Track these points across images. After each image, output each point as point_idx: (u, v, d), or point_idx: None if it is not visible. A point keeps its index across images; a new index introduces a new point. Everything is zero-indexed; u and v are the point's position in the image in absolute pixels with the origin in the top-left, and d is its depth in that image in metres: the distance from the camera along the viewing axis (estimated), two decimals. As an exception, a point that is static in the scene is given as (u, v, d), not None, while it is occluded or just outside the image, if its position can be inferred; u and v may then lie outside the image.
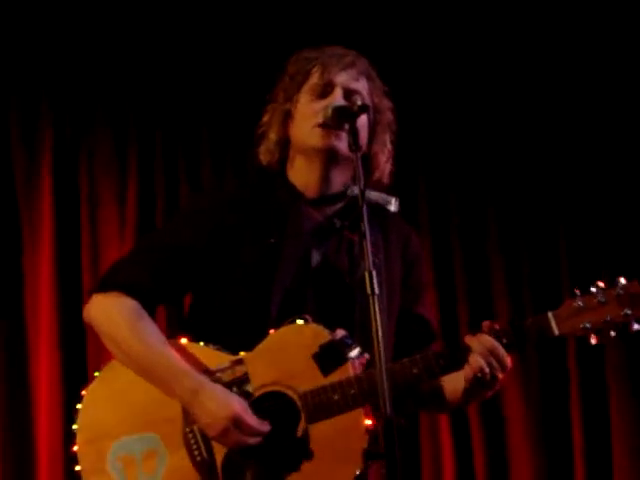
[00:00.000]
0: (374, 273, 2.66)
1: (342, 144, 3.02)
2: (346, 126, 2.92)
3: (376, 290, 2.64)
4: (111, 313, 3.09)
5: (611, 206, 5.52)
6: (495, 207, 5.61)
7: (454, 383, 3.03)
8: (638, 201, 5.48)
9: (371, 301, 2.64)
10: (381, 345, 2.61)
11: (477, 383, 2.91)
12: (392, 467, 2.57)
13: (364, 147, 3.09)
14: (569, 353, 5.47)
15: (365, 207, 2.75)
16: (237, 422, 2.89)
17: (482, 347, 2.87)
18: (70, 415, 4.68)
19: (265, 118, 3.20)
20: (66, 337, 5.06)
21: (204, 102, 5.40)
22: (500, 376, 2.90)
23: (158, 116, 5.36)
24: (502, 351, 2.87)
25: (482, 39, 5.54)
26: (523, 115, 5.61)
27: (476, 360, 2.87)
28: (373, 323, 2.61)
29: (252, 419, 2.91)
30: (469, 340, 2.90)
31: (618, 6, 5.38)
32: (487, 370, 2.87)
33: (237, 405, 2.92)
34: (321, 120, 3.03)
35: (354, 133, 2.88)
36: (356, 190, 2.88)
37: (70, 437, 4.71)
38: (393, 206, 3.12)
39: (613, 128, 5.53)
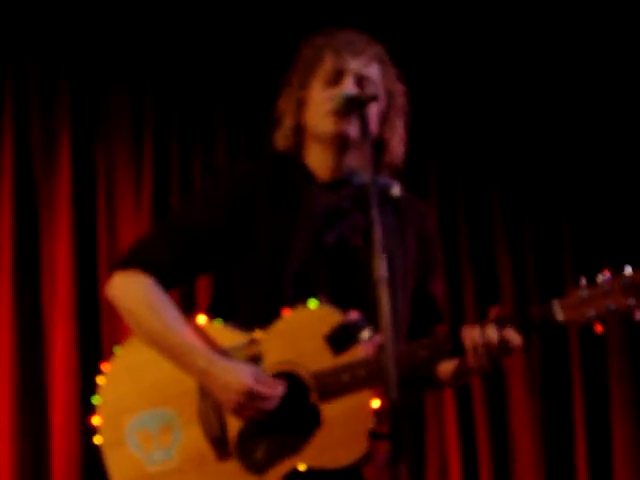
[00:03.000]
0: (384, 257, 2.72)
1: (353, 130, 3.08)
2: (357, 113, 2.99)
3: (384, 275, 2.70)
4: (131, 290, 3.17)
5: (615, 192, 5.57)
6: (500, 192, 5.67)
7: (446, 364, 3.10)
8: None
9: (379, 287, 2.70)
10: (389, 330, 2.67)
11: (476, 368, 2.96)
12: (397, 451, 2.64)
13: (375, 133, 3.15)
14: (571, 341, 5.53)
15: (375, 194, 2.79)
16: (251, 393, 2.97)
17: (484, 338, 2.90)
18: (85, 388, 4.92)
19: (280, 104, 3.25)
20: (82, 313, 5.14)
21: (220, 84, 5.47)
22: (501, 359, 2.94)
23: (174, 98, 5.44)
24: (504, 343, 2.90)
25: (491, 25, 5.61)
26: (529, 102, 5.67)
27: (477, 350, 2.91)
28: (382, 308, 2.68)
29: (264, 386, 2.98)
30: (472, 330, 2.93)
31: (618, 6, 5.44)
32: (486, 361, 2.91)
33: (249, 376, 2.98)
34: (332, 107, 3.08)
35: (364, 120, 2.94)
36: (359, 178, 2.98)
37: (86, 409, 4.85)
38: (395, 191, 3.16)
39: (618, 116, 5.59)
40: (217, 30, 5.45)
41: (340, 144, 3.15)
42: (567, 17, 5.54)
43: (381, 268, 2.71)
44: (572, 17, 5.54)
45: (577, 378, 5.55)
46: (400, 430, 2.64)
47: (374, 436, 2.87)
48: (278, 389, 2.99)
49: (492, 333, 2.91)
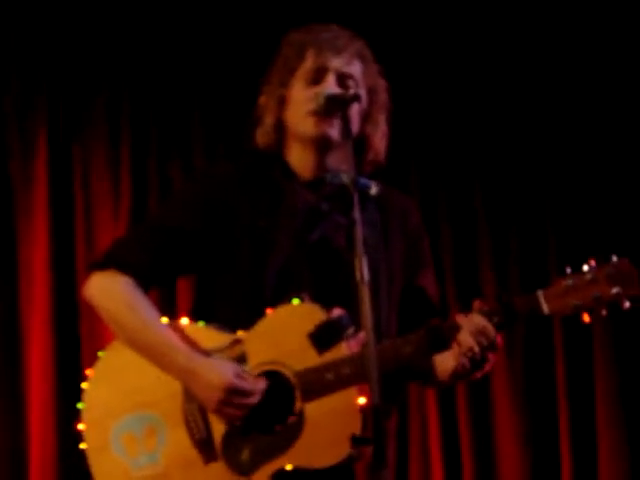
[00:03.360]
0: (365, 259, 2.70)
1: (335, 131, 3.06)
2: (338, 113, 2.98)
3: (365, 277, 2.68)
4: (108, 290, 3.15)
5: (599, 183, 5.56)
6: (482, 186, 5.68)
7: (445, 363, 3.05)
8: (627, 180, 5.54)
9: (360, 288, 2.68)
10: (371, 333, 2.65)
11: (467, 363, 2.93)
12: (379, 454, 2.62)
13: (357, 131, 3.13)
14: (555, 336, 5.53)
15: (356, 194, 2.79)
16: (231, 391, 2.95)
17: (472, 326, 2.89)
18: (62, 393, 4.89)
19: (261, 101, 3.23)
20: (60, 319, 5.11)
21: (196, 90, 5.44)
22: (490, 356, 2.92)
23: (151, 104, 5.41)
24: (492, 331, 2.89)
25: (475, 28, 5.60)
26: (512, 100, 5.65)
27: (466, 339, 2.89)
28: (364, 310, 2.66)
29: (246, 382, 2.97)
30: (460, 319, 2.92)
31: (618, 6, 5.45)
32: (477, 349, 2.89)
33: (230, 373, 2.97)
34: (313, 108, 3.06)
35: (346, 121, 2.92)
36: (339, 179, 2.98)
37: (63, 414, 4.80)
38: (373, 190, 3.11)
39: (602, 109, 5.58)
40: (193, 33, 5.43)
41: (321, 145, 3.13)
42: (548, 16, 5.54)
43: (363, 270, 2.70)
44: (554, 17, 5.53)
45: (561, 374, 5.54)
46: (382, 434, 2.62)
47: (356, 441, 2.85)
48: (259, 384, 2.98)
49: (481, 321, 2.90)
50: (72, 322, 5.11)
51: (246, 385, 2.97)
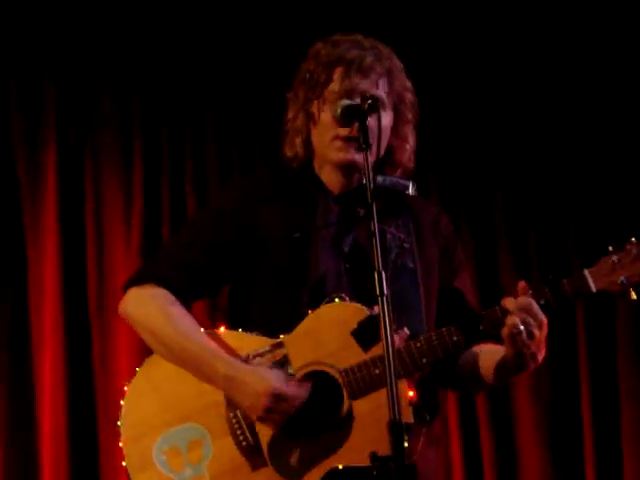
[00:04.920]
0: (383, 274, 2.66)
1: (360, 156, 2.99)
2: (356, 124, 2.94)
3: (385, 291, 2.65)
4: (146, 302, 3.13)
5: (619, 192, 5.52)
6: (502, 194, 5.65)
7: (492, 357, 3.05)
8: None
9: (380, 302, 2.65)
10: (391, 347, 2.61)
11: (514, 347, 2.90)
12: (400, 469, 2.58)
13: (385, 145, 3.12)
14: (580, 347, 5.51)
15: (374, 205, 2.75)
16: (276, 397, 2.94)
17: (517, 305, 2.88)
18: (73, 409, 4.86)
19: (289, 115, 3.22)
20: (70, 331, 5.06)
21: (208, 92, 5.39)
22: (537, 333, 2.88)
23: (163, 111, 5.36)
24: (537, 307, 2.87)
25: (491, 33, 5.59)
26: (532, 110, 5.64)
27: (512, 319, 2.87)
28: (382, 325, 2.63)
29: (290, 388, 2.95)
30: (505, 302, 2.91)
31: (618, 6, 5.44)
32: (522, 328, 2.86)
33: (273, 380, 2.96)
34: (333, 116, 3.00)
35: (364, 132, 2.89)
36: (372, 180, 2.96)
37: (74, 433, 4.72)
38: (411, 190, 3.15)
39: (617, 115, 5.57)
40: (204, 45, 5.38)
41: (348, 169, 3.15)
42: (575, 28, 5.53)
43: (381, 285, 2.67)
44: (581, 28, 5.53)
45: (584, 371, 5.51)
46: (403, 452, 2.58)
47: (375, 459, 2.81)
48: (303, 388, 2.96)
49: (524, 299, 2.88)
50: (84, 346, 5.05)
51: (290, 390, 2.95)
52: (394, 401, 2.58)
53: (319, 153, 3.18)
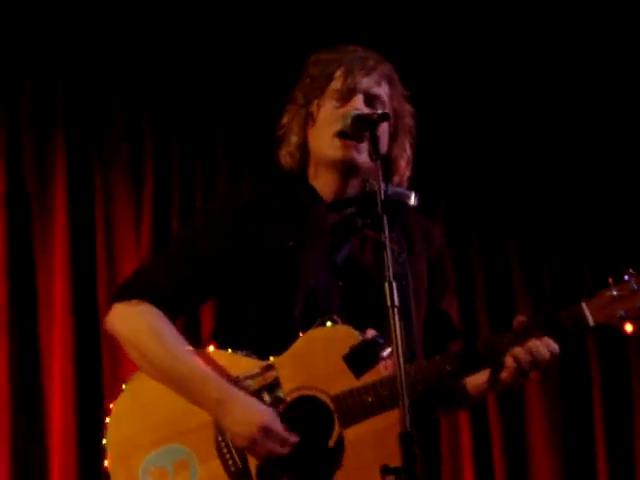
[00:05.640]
0: (394, 284, 2.61)
1: (362, 157, 3.00)
2: (366, 134, 2.89)
3: (396, 302, 2.59)
4: (133, 321, 3.04)
5: (635, 214, 5.48)
6: (514, 216, 5.59)
7: (476, 378, 3.01)
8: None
9: (391, 313, 2.59)
10: (402, 359, 2.55)
11: (509, 377, 2.89)
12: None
13: (384, 152, 3.04)
14: (591, 352, 5.45)
15: (385, 216, 2.70)
16: (266, 431, 2.86)
17: (525, 349, 2.85)
18: (83, 425, 4.80)
19: (285, 120, 3.15)
20: (80, 347, 5.01)
21: (219, 104, 5.35)
22: (542, 368, 2.87)
23: (173, 119, 5.32)
24: (545, 353, 2.85)
25: (502, 51, 5.54)
26: (530, 112, 5.58)
27: (518, 355, 2.85)
28: (393, 335, 2.56)
29: (282, 428, 2.88)
30: (512, 337, 2.88)
31: (618, 6, 5.35)
32: (526, 368, 2.85)
33: (265, 413, 2.88)
34: (340, 128, 2.98)
35: (375, 141, 2.82)
36: (375, 185, 2.85)
37: (84, 450, 4.69)
38: (412, 200, 3.05)
39: (629, 130, 5.51)
40: (215, 46, 5.34)
41: (346, 169, 3.06)
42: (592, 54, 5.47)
43: (392, 296, 2.61)
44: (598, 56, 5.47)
45: (597, 382, 5.45)
46: (414, 462, 2.51)
47: (386, 471, 2.69)
48: (293, 437, 2.88)
49: (535, 344, 2.84)
50: (94, 353, 5.02)
51: (281, 431, 2.87)
52: (405, 413, 2.51)
53: (315, 156, 3.10)
